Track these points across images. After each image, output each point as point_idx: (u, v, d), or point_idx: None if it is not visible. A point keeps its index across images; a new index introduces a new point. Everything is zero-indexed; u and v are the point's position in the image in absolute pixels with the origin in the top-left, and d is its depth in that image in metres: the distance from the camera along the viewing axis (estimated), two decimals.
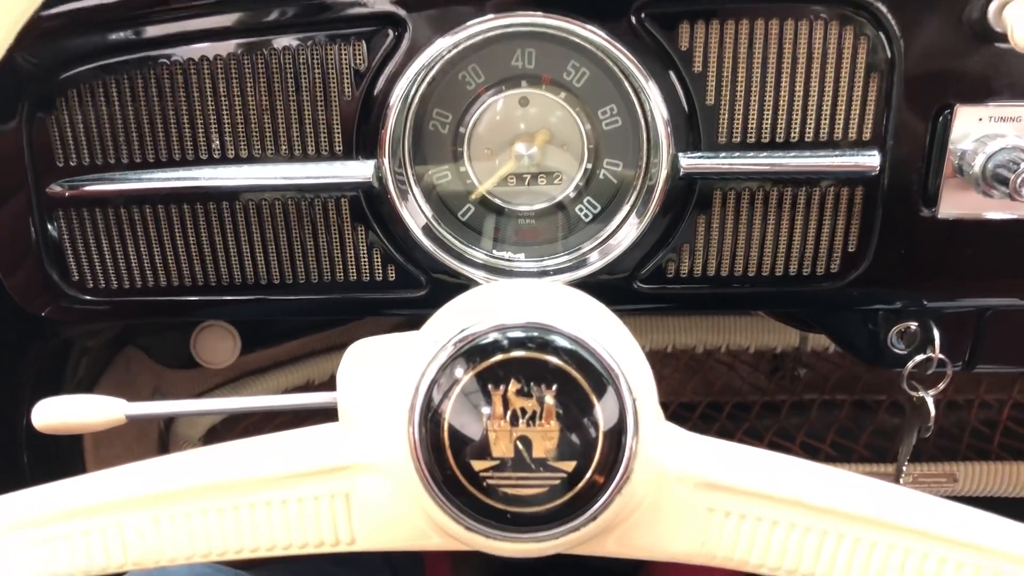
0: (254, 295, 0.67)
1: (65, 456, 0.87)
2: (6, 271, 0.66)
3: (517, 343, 0.40)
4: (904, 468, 0.96)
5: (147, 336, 0.99)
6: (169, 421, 1.09)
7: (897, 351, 0.67)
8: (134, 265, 0.65)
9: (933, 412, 0.66)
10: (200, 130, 0.61)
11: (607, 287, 0.63)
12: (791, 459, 0.44)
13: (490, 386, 0.40)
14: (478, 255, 0.64)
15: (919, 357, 0.65)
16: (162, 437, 1.06)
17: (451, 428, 0.40)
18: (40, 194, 0.62)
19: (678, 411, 1.17)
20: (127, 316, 0.76)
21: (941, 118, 0.58)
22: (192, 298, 0.67)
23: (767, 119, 0.59)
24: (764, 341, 1.13)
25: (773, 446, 1.13)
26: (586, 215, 0.65)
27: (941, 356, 0.65)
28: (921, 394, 0.67)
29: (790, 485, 0.43)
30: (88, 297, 0.66)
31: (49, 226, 0.63)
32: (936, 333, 0.65)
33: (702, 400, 1.19)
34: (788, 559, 0.44)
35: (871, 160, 0.59)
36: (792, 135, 0.59)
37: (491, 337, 0.41)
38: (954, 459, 1.06)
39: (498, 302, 0.42)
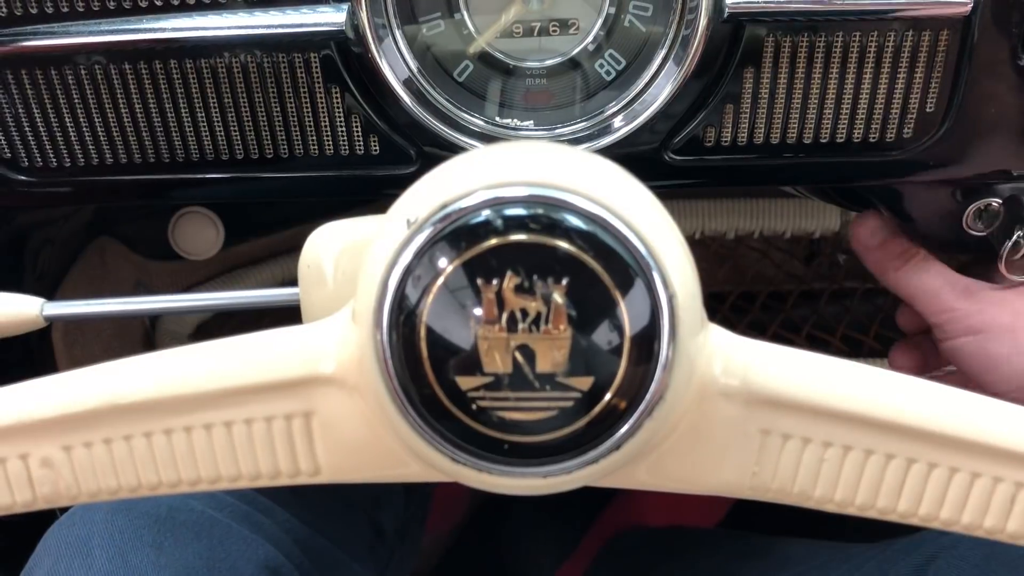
0: (224, 173, 0.57)
1: (34, 359, 0.79)
2: None
3: (516, 223, 0.30)
4: None
5: (124, 224, 0.90)
6: (155, 317, 1.01)
7: (974, 233, 0.57)
8: (74, 139, 0.55)
9: None
10: None
11: (633, 159, 0.52)
12: (869, 368, 0.35)
13: (480, 280, 0.30)
14: (477, 122, 0.53)
15: (1015, 237, 0.54)
16: (147, 335, 0.98)
17: (430, 334, 0.31)
18: None
19: (707, 302, 1.07)
20: (85, 199, 0.67)
21: None
22: (154, 176, 0.57)
23: None
24: (801, 225, 1.03)
25: (811, 339, 1.04)
26: (608, 72, 0.54)
27: None
28: None
29: (870, 401, 0.34)
30: (24, 177, 0.57)
31: None
32: None
33: (733, 290, 1.10)
34: (861, 493, 0.35)
35: None
36: None
37: (482, 215, 0.31)
38: None
39: (492, 169, 0.32)
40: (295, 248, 1.03)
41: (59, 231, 0.80)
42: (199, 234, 0.85)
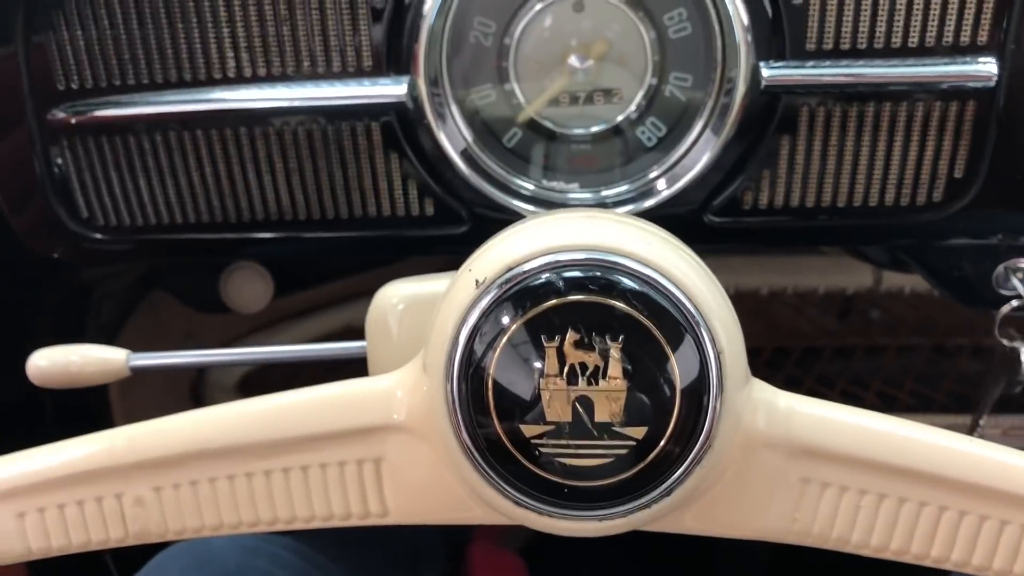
0: (283, 233, 0.61)
1: (91, 407, 0.83)
2: (12, 209, 0.60)
3: (575, 284, 0.33)
4: (982, 422, 0.88)
5: (175, 278, 0.94)
6: (203, 369, 1.04)
7: (1004, 292, 0.59)
8: (146, 200, 0.59)
9: None
10: (214, 46, 0.54)
11: (674, 220, 0.55)
12: (902, 422, 0.37)
13: (543, 336, 0.33)
14: (526, 186, 0.57)
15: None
16: (194, 385, 1.01)
17: (496, 386, 0.33)
18: (41, 121, 0.56)
19: None
20: (145, 257, 0.70)
21: None
22: (215, 236, 0.61)
23: (864, 21, 0.50)
24: (834, 282, 1.05)
25: (846, 394, 1.05)
26: (649, 139, 0.57)
27: None
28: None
29: (902, 452, 0.36)
30: (98, 236, 0.60)
31: (53, 157, 0.57)
32: None
33: (768, 345, 1.11)
34: (896, 539, 0.37)
35: (987, 68, 0.51)
36: (893, 40, 0.51)
37: (543, 277, 0.34)
38: None
39: (552, 235, 0.35)
40: (334, 301, 1.06)
41: (118, 285, 0.84)
42: (250, 288, 0.88)
